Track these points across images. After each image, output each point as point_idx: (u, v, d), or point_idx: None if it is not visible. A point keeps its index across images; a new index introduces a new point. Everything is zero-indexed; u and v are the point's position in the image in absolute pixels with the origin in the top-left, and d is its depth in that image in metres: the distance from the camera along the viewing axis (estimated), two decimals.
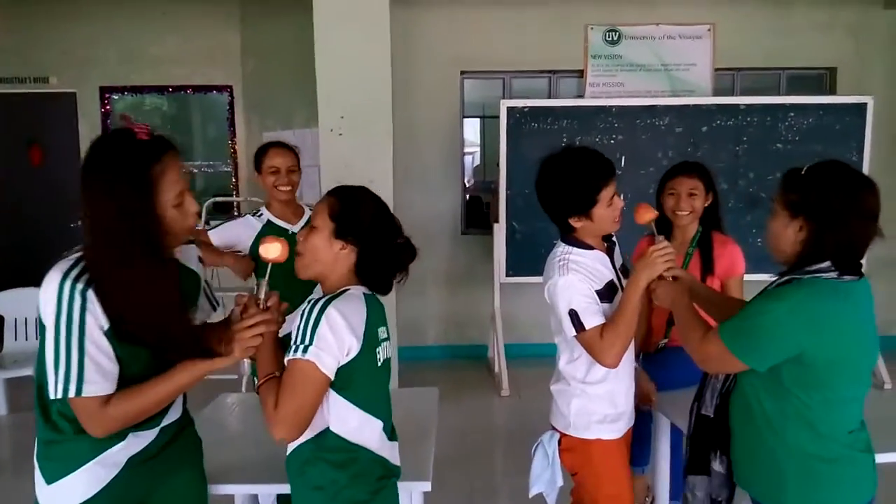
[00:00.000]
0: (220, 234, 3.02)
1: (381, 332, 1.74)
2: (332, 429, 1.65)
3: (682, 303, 1.97)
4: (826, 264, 1.66)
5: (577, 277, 2.08)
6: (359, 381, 1.65)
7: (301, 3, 4.68)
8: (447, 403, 3.78)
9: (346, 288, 1.68)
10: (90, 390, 1.49)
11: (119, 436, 1.60)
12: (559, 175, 2.14)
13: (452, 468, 3.78)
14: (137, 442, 1.65)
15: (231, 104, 6.51)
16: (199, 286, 1.83)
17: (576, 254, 2.13)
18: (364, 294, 1.70)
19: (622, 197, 2.19)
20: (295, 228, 2.98)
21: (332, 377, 1.60)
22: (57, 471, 1.59)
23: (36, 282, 1.56)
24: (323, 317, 1.58)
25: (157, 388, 1.58)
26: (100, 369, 1.50)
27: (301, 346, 1.57)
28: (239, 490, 2.17)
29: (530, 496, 2.32)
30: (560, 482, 2.27)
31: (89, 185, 1.51)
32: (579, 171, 2.11)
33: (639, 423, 2.66)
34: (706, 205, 2.88)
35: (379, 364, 1.72)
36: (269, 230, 2.92)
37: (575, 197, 2.10)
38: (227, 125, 6.57)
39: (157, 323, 1.54)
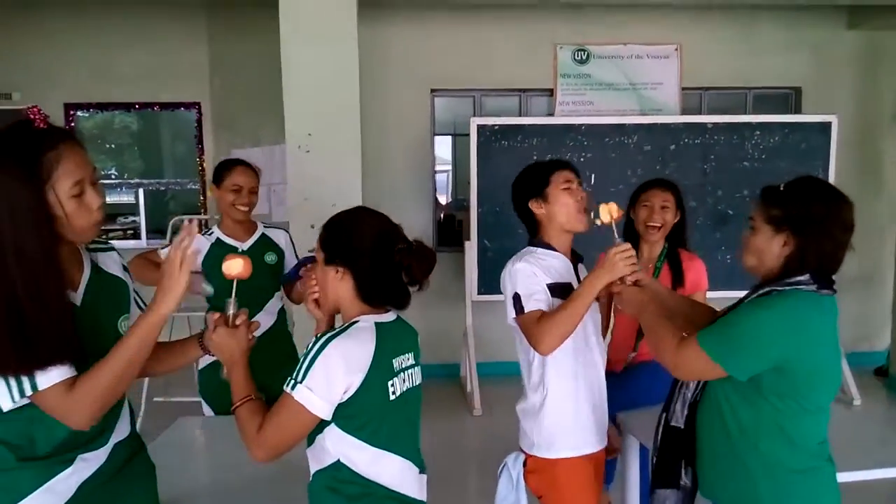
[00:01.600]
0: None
1: (400, 362, 1.67)
2: (342, 461, 1.61)
3: (650, 309, 1.95)
4: (805, 277, 1.70)
5: (529, 266, 2.16)
6: (365, 417, 1.60)
7: (269, 20, 4.65)
8: (437, 418, 3.73)
9: (356, 320, 1.63)
10: (44, 381, 1.41)
11: (66, 461, 1.53)
12: (522, 169, 2.33)
13: (442, 481, 3.71)
14: (86, 466, 1.58)
15: (199, 121, 6.44)
16: (128, 294, 1.75)
17: (539, 253, 2.23)
18: (377, 323, 1.64)
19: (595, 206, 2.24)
20: (244, 246, 2.97)
21: (326, 417, 1.56)
22: (2, 502, 1.51)
23: None
24: (320, 355, 1.54)
25: (118, 350, 1.49)
26: None
27: (293, 382, 1.55)
28: None
29: None
30: (524, 502, 2.23)
31: None
32: (535, 162, 2.34)
33: None
34: (674, 222, 2.90)
35: (393, 397, 1.63)
36: (217, 248, 2.91)
37: (530, 179, 2.26)
38: (196, 142, 6.49)
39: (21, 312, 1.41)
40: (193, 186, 6.58)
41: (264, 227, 3.10)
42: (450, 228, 6.72)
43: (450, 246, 6.10)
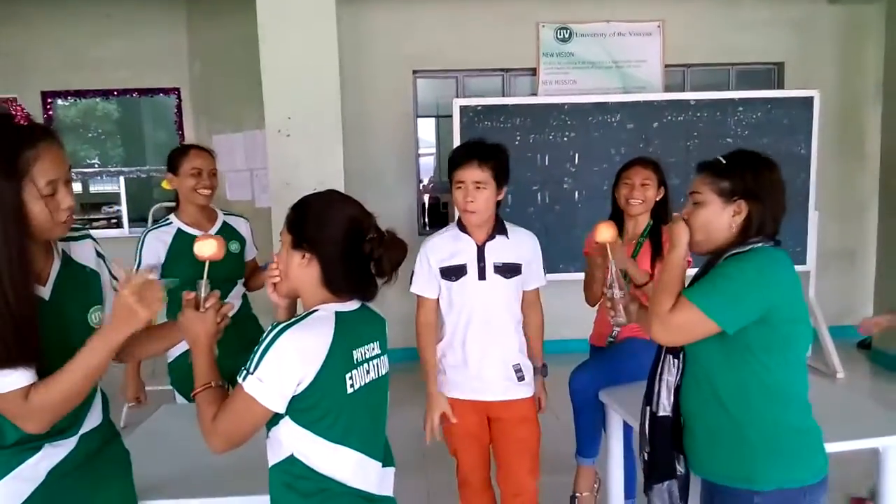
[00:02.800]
0: (147, 265, 2.82)
1: (362, 353, 1.62)
2: (296, 455, 1.55)
3: (681, 262, 1.89)
4: (761, 238, 1.79)
5: (427, 249, 2.52)
6: (320, 411, 1.53)
7: (247, 4, 4.57)
8: (405, 406, 3.74)
9: (315, 309, 1.58)
10: (3, 385, 1.41)
11: (34, 447, 1.53)
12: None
13: (409, 471, 3.72)
14: (56, 452, 1.57)
15: (179, 107, 6.37)
16: (99, 285, 1.73)
17: (450, 230, 2.54)
18: (338, 312, 1.58)
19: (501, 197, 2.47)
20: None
21: (279, 409, 1.51)
22: None
23: None
24: (272, 346, 1.48)
25: (72, 365, 1.48)
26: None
27: (246, 372, 1.50)
28: None
29: None
30: None
31: None
32: (455, 149, 2.56)
33: (586, 414, 2.73)
34: (657, 199, 2.91)
35: (351, 390, 1.57)
36: (179, 238, 2.82)
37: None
38: (176, 128, 6.43)
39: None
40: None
41: (224, 214, 3.03)
42: (435, 210, 6.70)
43: (437, 228, 6.09)
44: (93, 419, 1.67)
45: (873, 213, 5.89)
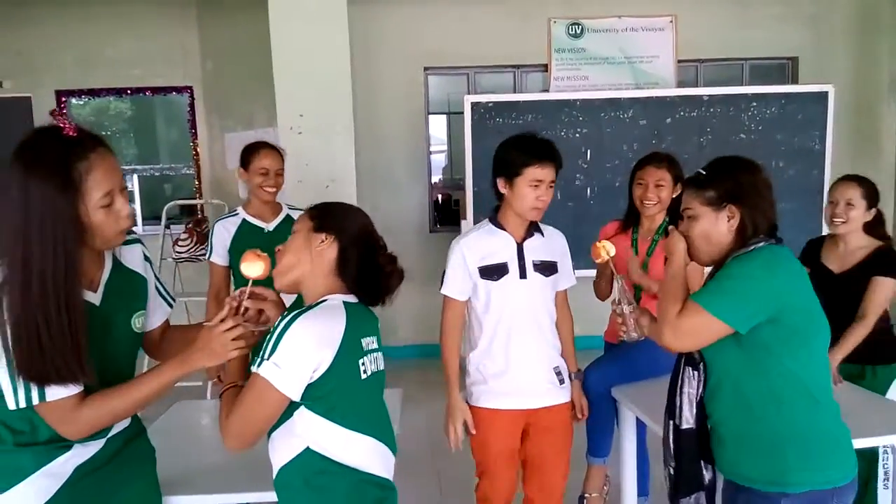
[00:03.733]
0: (221, 255, 3.04)
1: (368, 343, 1.64)
2: (311, 448, 1.55)
3: (680, 270, 1.89)
4: (761, 237, 1.79)
5: (465, 248, 2.38)
6: (336, 396, 1.54)
7: (259, 2, 4.59)
8: (416, 403, 3.74)
9: (325, 298, 1.60)
10: (53, 393, 1.44)
11: (65, 446, 1.55)
12: (518, 136, 2.38)
13: (418, 468, 3.74)
14: (85, 451, 1.59)
15: (192, 105, 6.40)
16: (146, 290, 1.76)
17: (485, 228, 2.43)
18: (346, 303, 1.61)
19: (557, 194, 2.46)
20: (270, 227, 3.06)
21: (295, 397, 1.50)
22: (4, 482, 1.52)
23: None
24: (288, 331, 1.48)
25: (134, 389, 1.53)
26: None
27: (260, 359, 1.49)
28: (195, 501, 2.07)
29: None
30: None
31: (9, 181, 1.40)
32: (520, 141, 2.36)
33: (599, 412, 2.72)
34: (673, 195, 2.89)
35: (364, 376, 1.60)
36: (244, 228, 3.01)
37: (506, 160, 2.34)
38: (189, 127, 6.46)
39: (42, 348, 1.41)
40: (188, 171, 6.56)
41: (289, 208, 3.17)
42: (447, 208, 6.69)
43: (448, 225, 6.09)
44: (124, 422, 1.69)
45: (889, 208, 5.84)
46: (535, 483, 2.50)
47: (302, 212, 3.11)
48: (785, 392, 1.73)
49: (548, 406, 2.43)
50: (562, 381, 2.46)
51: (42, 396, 1.44)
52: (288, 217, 3.12)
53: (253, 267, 1.65)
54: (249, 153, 3.05)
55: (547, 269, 2.43)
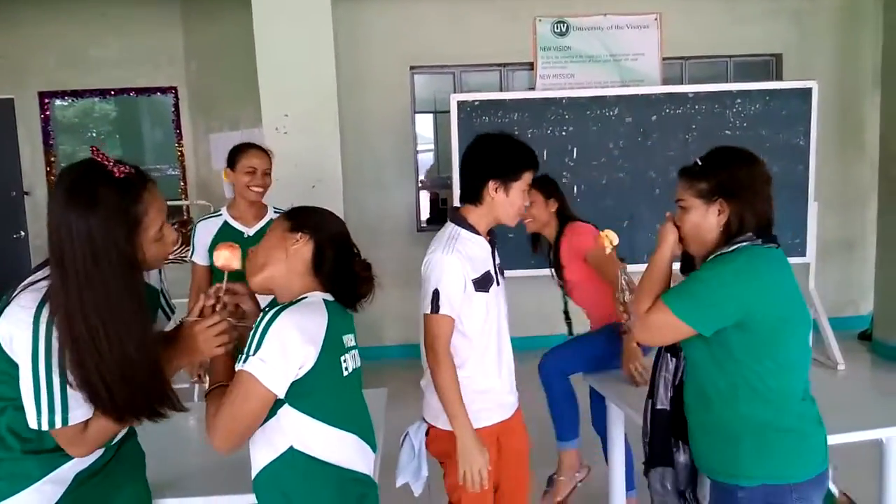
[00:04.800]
0: (203, 255, 3.02)
1: (348, 340, 1.64)
2: (295, 447, 1.53)
3: (667, 261, 1.88)
4: (748, 236, 1.76)
5: (458, 261, 2.08)
6: (320, 393, 1.53)
7: (242, 2, 4.57)
8: (402, 403, 3.71)
9: (305, 295, 1.60)
10: (76, 416, 1.47)
11: (69, 455, 1.55)
12: (506, 137, 2.20)
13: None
14: (86, 458, 1.60)
15: (176, 106, 6.36)
16: (157, 302, 1.79)
17: (464, 236, 2.15)
18: (326, 301, 1.61)
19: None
20: (250, 232, 3.01)
21: (280, 393, 1.49)
22: (6, 489, 1.54)
23: None
24: (272, 327, 1.47)
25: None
26: (80, 396, 1.46)
27: (245, 356, 1.48)
28: (185, 503, 2.08)
29: (396, 486, 2.26)
30: (426, 473, 2.24)
31: (64, 223, 1.41)
32: (515, 142, 2.21)
33: (557, 397, 2.87)
34: (553, 210, 3.21)
35: (346, 373, 1.61)
36: (224, 231, 2.99)
37: (505, 162, 2.14)
38: (174, 127, 6.42)
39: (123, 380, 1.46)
40: (173, 172, 6.51)
41: (274, 210, 3.12)
42: (436, 207, 6.69)
43: (435, 224, 6.08)
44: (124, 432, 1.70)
45: (873, 203, 5.89)
46: (511, 494, 2.32)
47: None
48: (742, 392, 1.73)
49: (513, 414, 2.30)
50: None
51: (65, 421, 1.46)
52: (271, 222, 3.05)
53: (227, 259, 1.67)
54: (237, 153, 3.04)
55: (501, 270, 2.31)
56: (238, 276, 1.70)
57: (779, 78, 6.12)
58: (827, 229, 5.82)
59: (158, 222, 1.52)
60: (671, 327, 1.76)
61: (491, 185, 2.14)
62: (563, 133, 5.34)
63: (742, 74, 6.19)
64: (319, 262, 1.64)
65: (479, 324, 2.16)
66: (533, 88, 5.93)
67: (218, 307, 1.64)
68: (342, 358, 1.60)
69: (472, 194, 2.18)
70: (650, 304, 1.81)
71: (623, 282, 2.21)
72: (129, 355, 1.45)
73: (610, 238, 2.27)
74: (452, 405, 2.08)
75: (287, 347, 1.47)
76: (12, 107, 6.21)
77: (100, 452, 1.62)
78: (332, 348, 1.55)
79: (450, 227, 2.19)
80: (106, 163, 1.46)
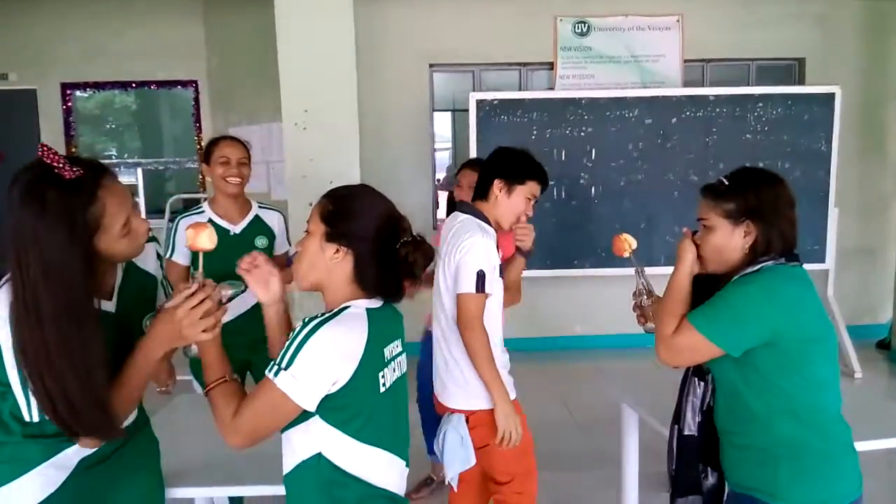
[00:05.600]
0: (183, 252, 2.85)
1: (390, 351, 1.58)
2: (324, 455, 1.49)
3: (687, 278, 1.85)
4: (772, 255, 1.75)
5: (491, 244, 2.30)
6: (353, 410, 1.48)
7: None
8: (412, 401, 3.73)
9: (347, 305, 1.52)
10: None
11: (71, 440, 1.54)
12: (522, 151, 2.44)
13: (419, 459, 3.73)
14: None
15: (196, 99, 6.40)
16: (156, 290, 1.77)
17: (485, 227, 2.36)
18: (369, 309, 1.53)
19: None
20: (237, 229, 2.91)
21: (311, 409, 1.45)
22: (8, 473, 1.54)
23: None
24: (308, 342, 1.42)
25: (115, 392, 1.50)
26: None
27: (277, 367, 1.43)
28: (198, 493, 2.10)
29: (447, 481, 2.35)
30: (473, 461, 2.32)
31: (18, 227, 1.37)
32: (528, 156, 2.44)
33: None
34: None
35: (383, 389, 1.54)
36: None
37: (514, 166, 2.38)
38: (193, 121, 6.46)
39: (62, 389, 1.41)
40: (192, 165, 6.56)
41: (259, 207, 3.02)
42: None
43: None
44: (130, 416, 1.68)
45: (893, 211, 5.83)
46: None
47: (274, 212, 3.08)
48: (775, 410, 1.71)
49: None
50: None
51: None
52: (256, 219, 2.97)
53: (200, 239, 1.55)
54: (210, 146, 2.94)
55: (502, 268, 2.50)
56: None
57: (801, 82, 6.06)
58: (846, 236, 5.76)
59: (121, 217, 1.46)
60: (699, 348, 1.74)
61: (496, 183, 2.37)
62: (582, 134, 5.32)
63: (764, 78, 6.13)
64: (362, 275, 1.55)
65: (497, 306, 2.38)
66: (552, 88, 5.91)
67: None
68: (380, 374, 1.53)
69: (482, 191, 2.40)
70: (675, 326, 1.78)
71: (641, 285, 2.19)
72: (73, 371, 1.39)
73: (629, 241, 2.24)
74: (490, 372, 2.26)
75: (321, 365, 1.42)
76: (35, 97, 6.28)
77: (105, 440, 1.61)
78: (369, 365, 1.49)
79: (470, 218, 2.37)
80: (56, 164, 1.38)
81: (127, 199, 1.49)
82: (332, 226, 1.55)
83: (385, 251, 1.55)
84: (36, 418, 1.45)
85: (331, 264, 1.54)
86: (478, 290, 2.25)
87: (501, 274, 2.38)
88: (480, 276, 2.25)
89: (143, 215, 6.35)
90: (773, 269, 1.73)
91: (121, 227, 1.46)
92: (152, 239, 1.74)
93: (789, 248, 1.78)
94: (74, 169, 1.39)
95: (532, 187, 2.39)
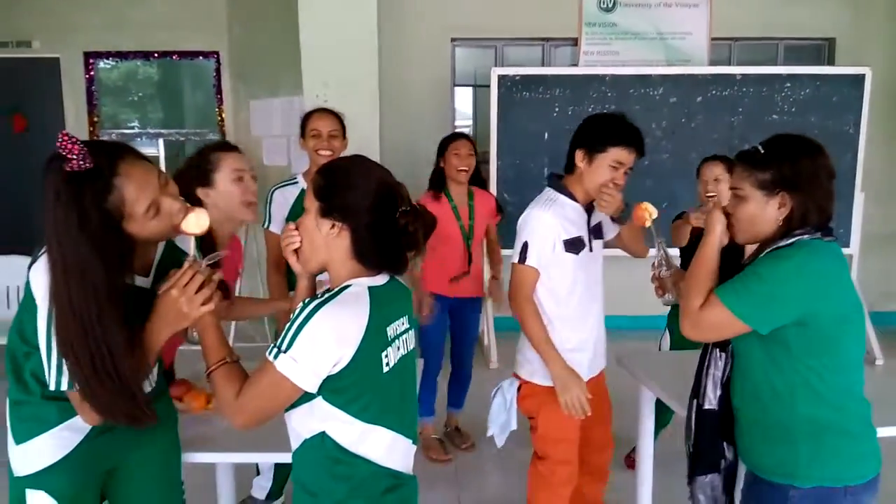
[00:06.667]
0: (279, 223, 2.93)
1: (395, 329, 1.55)
2: (328, 434, 1.49)
3: (714, 248, 1.80)
4: (807, 229, 1.69)
5: (552, 218, 2.28)
6: (355, 391, 1.47)
7: None
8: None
9: (347, 284, 1.49)
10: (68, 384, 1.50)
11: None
12: (609, 115, 2.36)
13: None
14: None
15: (218, 70, 6.39)
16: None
17: (561, 200, 2.33)
18: (371, 287, 1.50)
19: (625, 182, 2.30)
20: None
21: (312, 390, 1.43)
22: (26, 431, 1.59)
23: (20, 250, 1.54)
24: (307, 324, 1.40)
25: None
26: None
27: (277, 349, 1.42)
28: (219, 458, 2.15)
29: (487, 435, 2.56)
30: (514, 426, 2.48)
31: (48, 213, 1.40)
32: (611, 119, 2.30)
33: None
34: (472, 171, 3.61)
35: (387, 369, 1.51)
36: (300, 201, 2.88)
37: (593, 133, 2.28)
38: (215, 92, 6.45)
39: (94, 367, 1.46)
40: (213, 136, 6.56)
41: None
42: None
43: None
44: (146, 385, 1.68)
45: None
46: (597, 445, 2.55)
47: None
48: (798, 390, 1.68)
49: (595, 375, 2.48)
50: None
51: (70, 385, 1.48)
52: None
53: (188, 222, 1.55)
54: (305, 119, 3.00)
55: (598, 231, 2.45)
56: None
57: (831, 63, 5.93)
58: (872, 221, 5.65)
59: (144, 201, 1.46)
60: (726, 325, 1.69)
61: (578, 154, 2.30)
62: (605, 111, 5.24)
63: (792, 58, 6.00)
64: (360, 250, 1.52)
65: (568, 284, 2.33)
66: (576, 65, 5.82)
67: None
68: (383, 353, 1.51)
69: (568, 163, 2.35)
70: (702, 300, 1.73)
71: (661, 256, 2.15)
72: (102, 354, 1.44)
73: (649, 211, 2.19)
74: (541, 343, 2.31)
75: (321, 347, 1.41)
76: (58, 65, 6.30)
77: None
78: (370, 345, 1.47)
79: (548, 191, 2.37)
80: (70, 156, 1.37)
81: (149, 181, 1.48)
82: (324, 200, 1.51)
83: (383, 222, 1.51)
84: (53, 387, 1.48)
85: (328, 241, 1.51)
86: (519, 261, 2.31)
87: (578, 248, 2.31)
88: (524, 248, 2.30)
89: None
90: (810, 245, 1.67)
91: (146, 210, 1.47)
92: None
93: (825, 222, 1.71)
94: (82, 162, 1.38)
95: (616, 154, 2.23)
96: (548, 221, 2.28)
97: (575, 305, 2.37)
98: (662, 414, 2.91)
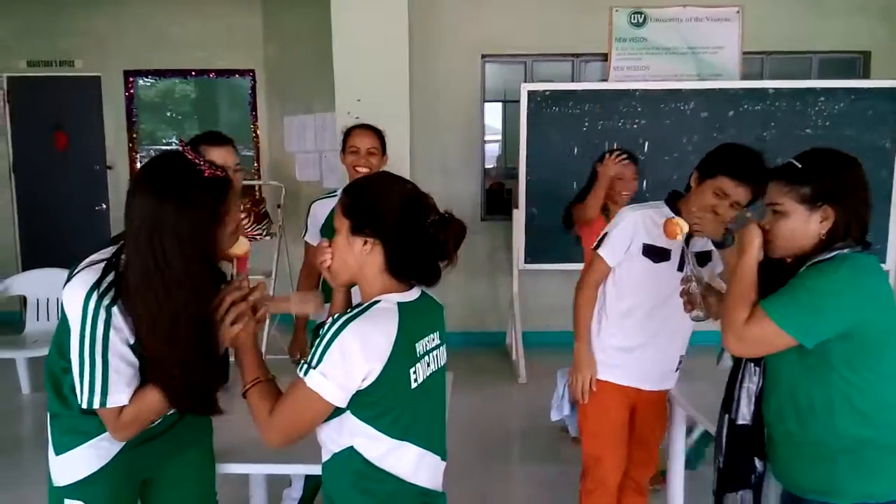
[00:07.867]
0: (314, 235, 3.01)
1: (424, 345, 1.55)
2: (356, 448, 1.50)
3: (753, 264, 1.76)
4: (847, 242, 1.68)
5: (637, 220, 2.34)
6: (383, 406, 1.48)
7: None
8: (463, 390, 3.74)
9: (377, 299, 1.51)
10: (114, 401, 1.52)
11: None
12: (736, 145, 2.27)
13: (466, 453, 3.76)
14: None
15: (253, 88, 6.52)
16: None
17: (664, 211, 2.34)
18: (400, 303, 1.51)
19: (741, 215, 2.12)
20: None
21: (342, 404, 1.45)
22: (65, 443, 1.63)
23: (59, 263, 1.62)
24: (336, 339, 1.42)
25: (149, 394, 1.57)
26: (122, 379, 1.52)
27: (308, 366, 1.44)
28: (252, 469, 2.16)
29: (551, 420, 2.88)
30: (566, 411, 2.75)
31: (149, 213, 1.48)
32: (740, 151, 2.22)
33: None
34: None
35: (415, 385, 1.51)
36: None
37: (711, 158, 2.24)
38: (250, 109, 6.58)
39: (176, 363, 1.54)
40: (248, 153, 6.68)
41: None
42: (499, 197, 6.68)
43: (498, 214, 6.07)
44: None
45: None
46: (644, 454, 2.61)
47: None
48: (839, 406, 1.65)
49: (660, 389, 2.52)
50: (677, 370, 2.53)
51: (103, 403, 1.52)
52: None
53: (239, 246, 1.69)
54: (346, 135, 3.03)
55: (704, 258, 2.38)
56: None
57: (866, 77, 5.85)
58: None
59: (236, 221, 1.61)
60: (773, 339, 1.65)
61: (694, 174, 2.29)
62: (635, 126, 5.26)
63: (826, 72, 5.93)
64: (394, 264, 1.53)
65: (635, 285, 2.38)
66: (605, 80, 5.83)
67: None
68: (412, 370, 1.51)
69: (689, 182, 2.33)
70: (747, 314, 1.69)
71: (690, 271, 2.13)
72: (201, 345, 1.54)
73: (680, 225, 2.17)
74: (578, 324, 2.45)
75: (350, 363, 1.42)
76: (99, 84, 6.49)
77: (157, 419, 1.66)
78: (399, 362, 1.47)
79: (659, 202, 2.41)
80: (196, 161, 1.53)
81: (240, 205, 1.65)
82: (354, 218, 1.53)
83: (413, 232, 1.51)
84: (85, 405, 1.52)
85: (361, 258, 1.53)
86: (595, 247, 2.41)
87: (657, 257, 2.33)
88: (603, 237, 2.41)
89: None
90: (853, 258, 1.65)
91: (233, 228, 1.60)
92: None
93: (864, 234, 1.70)
94: (214, 170, 1.54)
95: (722, 182, 2.15)
96: (633, 220, 2.35)
97: (637, 308, 2.39)
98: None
